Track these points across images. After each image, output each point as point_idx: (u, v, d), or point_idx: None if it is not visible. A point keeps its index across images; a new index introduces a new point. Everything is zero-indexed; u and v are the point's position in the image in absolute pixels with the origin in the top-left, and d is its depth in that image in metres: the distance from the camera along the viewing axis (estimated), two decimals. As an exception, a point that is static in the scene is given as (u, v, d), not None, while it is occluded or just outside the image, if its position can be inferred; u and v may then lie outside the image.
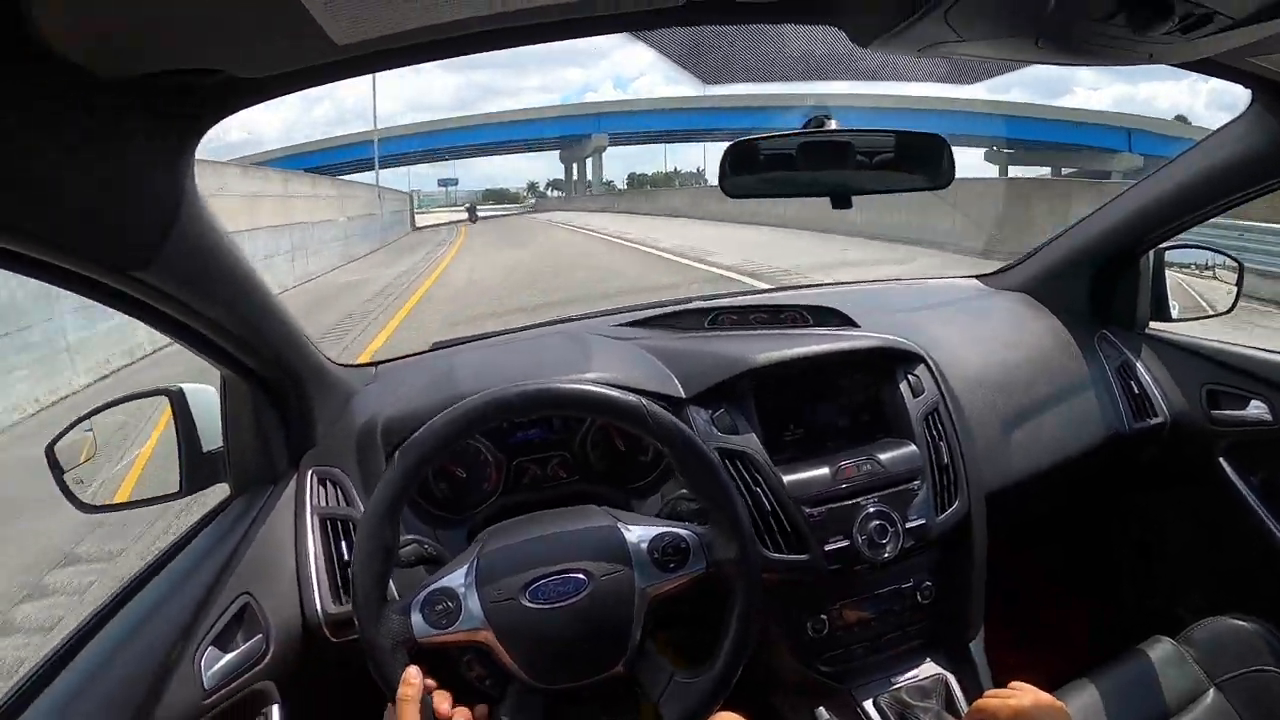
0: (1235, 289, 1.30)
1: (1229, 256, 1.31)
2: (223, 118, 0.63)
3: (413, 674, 0.71)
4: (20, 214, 0.52)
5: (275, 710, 0.93)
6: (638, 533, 0.78)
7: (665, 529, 0.79)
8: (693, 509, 0.91)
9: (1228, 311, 1.30)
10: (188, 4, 0.47)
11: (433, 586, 0.74)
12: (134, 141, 0.58)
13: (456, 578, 0.75)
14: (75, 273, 0.61)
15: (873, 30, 0.62)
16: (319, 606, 0.89)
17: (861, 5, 0.62)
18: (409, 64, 0.64)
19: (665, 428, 0.78)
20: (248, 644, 0.84)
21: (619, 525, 0.79)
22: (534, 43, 0.64)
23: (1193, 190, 1.15)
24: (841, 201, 0.93)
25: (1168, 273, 1.30)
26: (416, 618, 0.73)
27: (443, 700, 0.72)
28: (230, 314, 0.80)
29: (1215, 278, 1.31)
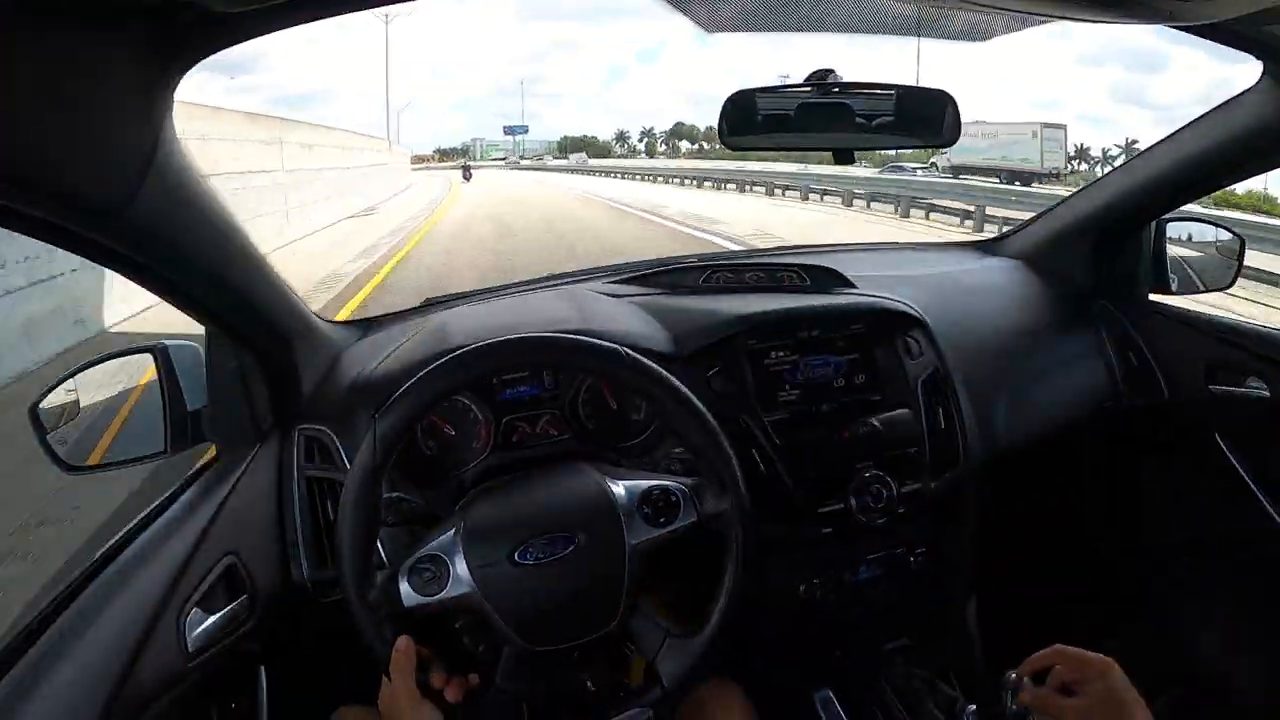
0: (1236, 264, 1.28)
1: (1231, 231, 1.28)
2: (203, 57, 0.60)
3: (404, 644, 0.70)
4: None
5: (262, 673, 0.92)
6: (626, 488, 0.77)
7: (654, 482, 0.78)
8: (682, 466, 0.89)
9: (1227, 286, 1.28)
10: None
11: (420, 553, 0.73)
12: (109, 78, 0.55)
13: (443, 543, 0.73)
14: (45, 220, 0.57)
15: None
16: (304, 569, 0.88)
17: None
18: None
19: (645, 374, 0.77)
20: (232, 605, 0.82)
21: (606, 482, 0.78)
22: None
23: (1199, 162, 1.13)
24: (844, 156, 0.91)
25: (1168, 245, 1.28)
26: (404, 585, 0.71)
27: (436, 671, 0.71)
28: (212, 266, 0.77)
29: (1217, 252, 1.29)
